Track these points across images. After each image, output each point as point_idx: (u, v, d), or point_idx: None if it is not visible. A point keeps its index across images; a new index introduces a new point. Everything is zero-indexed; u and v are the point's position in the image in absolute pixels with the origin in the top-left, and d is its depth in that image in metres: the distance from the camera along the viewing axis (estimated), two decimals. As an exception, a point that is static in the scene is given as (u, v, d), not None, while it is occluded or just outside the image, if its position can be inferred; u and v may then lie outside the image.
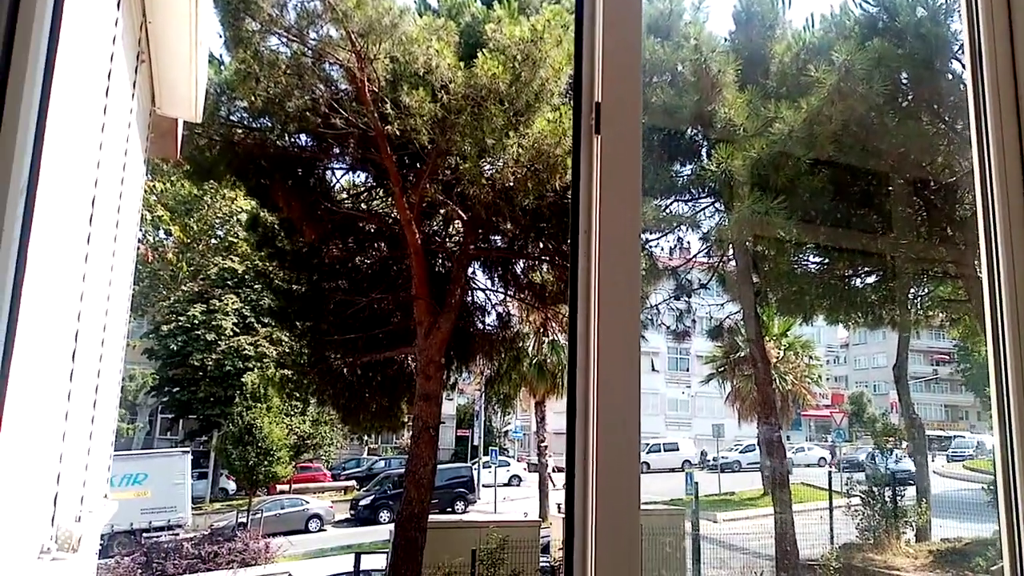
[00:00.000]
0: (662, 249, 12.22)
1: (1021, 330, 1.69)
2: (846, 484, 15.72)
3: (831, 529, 14.50)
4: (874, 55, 9.30)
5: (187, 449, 21.82)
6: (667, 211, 11.41)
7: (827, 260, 11.52)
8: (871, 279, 11.72)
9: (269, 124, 11.20)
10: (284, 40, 10.56)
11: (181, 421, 25.05)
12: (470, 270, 13.08)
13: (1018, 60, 1.83)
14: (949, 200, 10.60)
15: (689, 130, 11.28)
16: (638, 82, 1.52)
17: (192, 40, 3.33)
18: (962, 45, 1.92)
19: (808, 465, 22.95)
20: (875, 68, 9.15)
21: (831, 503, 15.13)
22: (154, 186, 13.55)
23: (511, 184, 10.18)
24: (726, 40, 11.20)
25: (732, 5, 11.69)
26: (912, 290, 11.95)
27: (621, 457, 1.37)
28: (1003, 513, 1.66)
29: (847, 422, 27.55)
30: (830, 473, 16.97)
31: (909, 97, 10.21)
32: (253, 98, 10.41)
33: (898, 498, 13.61)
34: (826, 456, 23.92)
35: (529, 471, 26.22)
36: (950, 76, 9.88)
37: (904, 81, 10.08)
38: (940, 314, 13.82)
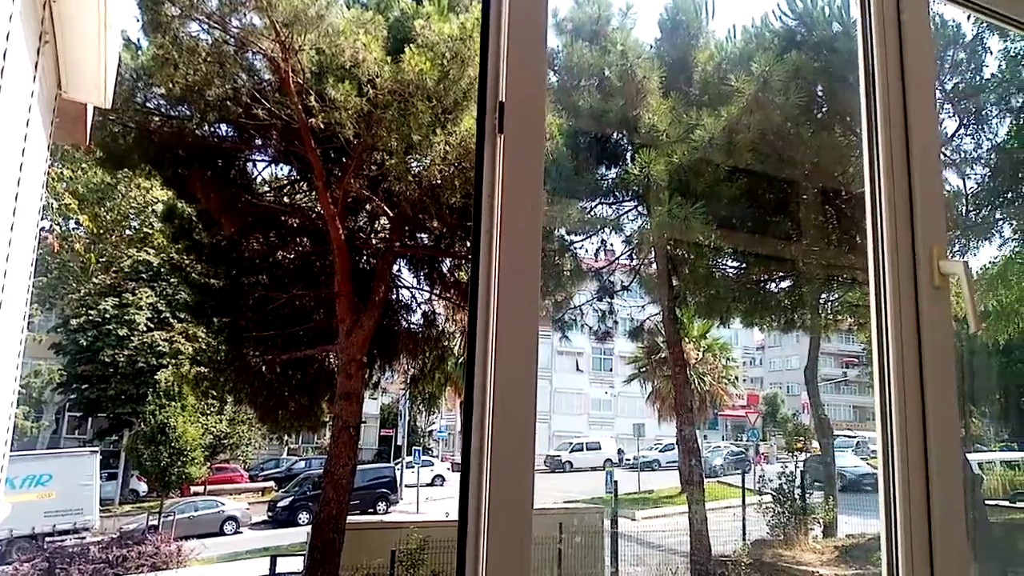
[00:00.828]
0: (586, 251, 12.39)
1: (903, 337, 1.77)
2: (758, 482, 16.25)
3: (743, 526, 14.96)
4: (792, 67, 9.66)
5: (96, 449, 20.81)
6: (592, 213, 11.57)
7: (743, 265, 11.89)
8: (785, 284, 12.17)
9: (188, 112, 10.83)
10: (205, 27, 10.24)
11: (90, 419, 23.90)
12: (395, 268, 12.95)
13: (907, 77, 1.92)
14: (858, 209, 11.08)
15: (615, 134, 11.47)
16: (543, 82, 1.52)
17: (101, 21, 3.18)
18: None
19: (723, 464, 23.62)
20: (792, 80, 9.49)
21: (744, 500, 15.62)
22: (62, 173, 12.91)
23: (438, 182, 10.13)
24: (652, 47, 11.45)
25: (658, 13, 11.97)
26: (823, 295, 12.45)
27: (515, 458, 1.37)
28: (882, 510, 1.73)
29: (761, 422, 28.51)
30: (743, 472, 17.51)
31: (824, 109, 10.64)
32: (171, 85, 10.06)
33: (806, 496, 14.16)
34: (741, 455, 24.68)
35: (453, 471, 26.13)
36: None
37: (820, 94, 10.50)
38: (849, 318, 14.45)
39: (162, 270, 21.73)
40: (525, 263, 1.46)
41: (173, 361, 20.76)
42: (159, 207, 16.34)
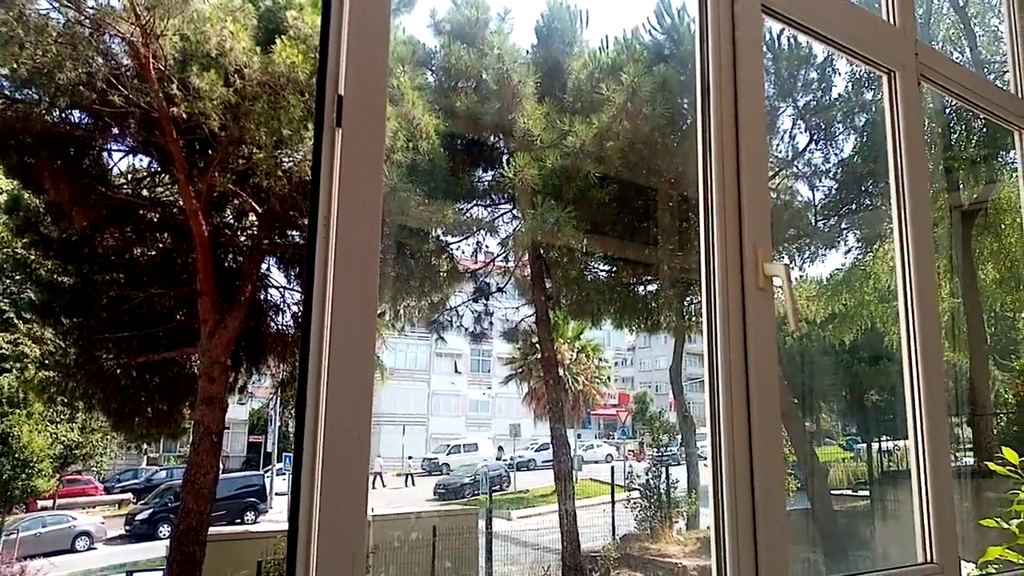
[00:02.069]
0: (463, 252, 12.41)
1: (731, 335, 1.87)
2: (627, 478, 16.83)
3: (613, 521, 15.45)
4: (659, 80, 10.08)
5: (-78, 462, 18.97)
6: (468, 215, 11.62)
7: (614, 268, 12.29)
8: (651, 287, 12.67)
9: (36, 96, 10.03)
10: (56, 4, 9.55)
11: (-84, 430, 21.67)
12: (264, 266, 12.48)
13: (740, 90, 2.03)
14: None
15: (491, 137, 11.56)
16: (384, 76, 1.51)
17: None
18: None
19: (596, 461, 24.31)
20: (659, 92, 9.91)
21: (613, 496, 16.13)
22: None
23: (310, 178, 9.86)
24: (527, 52, 11.63)
25: (535, 19, 12.18)
26: (687, 298, 13.05)
27: (349, 463, 1.34)
28: (711, 500, 1.83)
29: (631, 420, 29.54)
30: (612, 468, 18.08)
31: (688, 121, 11.17)
32: (16, 66, 9.34)
33: (671, 490, 14.80)
34: (612, 452, 25.49)
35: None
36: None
37: (684, 106, 11.01)
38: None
39: (5, 266, 20.00)
40: (363, 260, 1.43)
41: (17, 365, 19.13)
42: (2, 198, 15.07)
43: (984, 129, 10.86)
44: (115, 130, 10.78)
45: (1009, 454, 3.89)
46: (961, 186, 11.63)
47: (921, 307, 2.39)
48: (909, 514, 2.35)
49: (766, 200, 2.03)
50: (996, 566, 3.33)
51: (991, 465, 4.61)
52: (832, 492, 14.60)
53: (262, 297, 12.66)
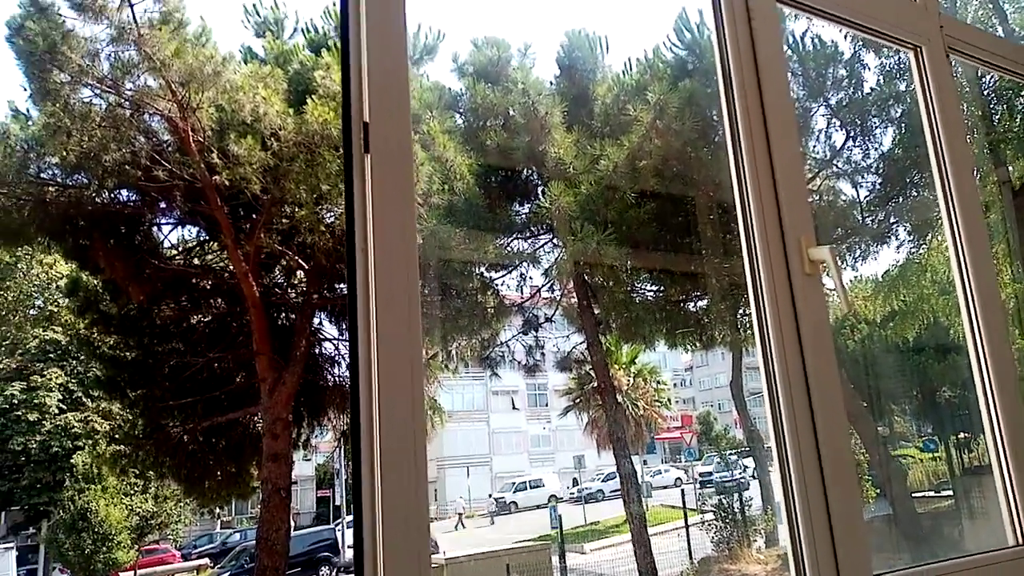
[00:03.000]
0: (508, 287, 12.46)
1: (782, 323, 1.83)
2: (699, 500, 16.45)
3: (689, 546, 15.06)
4: (685, 94, 10.07)
5: (11, 544, 19.58)
6: (508, 248, 11.67)
7: (661, 287, 12.16)
8: (703, 303, 12.49)
9: (85, 180, 10.46)
10: (98, 91, 9.99)
11: (3, 513, 22.42)
12: (316, 321, 12.70)
13: (763, 80, 2.01)
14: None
15: (524, 170, 11.66)
16: (406, 98, 1.54)
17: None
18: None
19: (665, 487, 23.82)
20: (687, 106, 9.89)
21: (686, 520, 15.75)
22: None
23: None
24: (551, 84, 11.76)
25: (556, 51, 12.31)
26: (739, 310, 12.82)
27: (407, 498, 1.33)
28: (781, 491, 1.77)
29: (696, 441, 28.95)
30: (683, 492, 17.69)
31: (720, 132, 11.09)
32: (65, 153, 9.74)
33: (745, 508, 14.39)
34: (681, 476, 24.95)
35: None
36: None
37: (714, 118, 10.97)
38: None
39: (71, 348, 20.72)
40: (403, 282, 1.45)
41: (89, 442, 19.70)
42: (63, 282, 15.68)
43: (1026, 106, 10.53)
44: (162, 204, 11.16)
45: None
46: (1010, 167, 11.27)
47: (980, 289, 2.30)
48: (997, 508, 2.24)
49: (802, 187, 2.00)
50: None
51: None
52: (914, 495, 14.02)
53: (317, 351, 12.86)
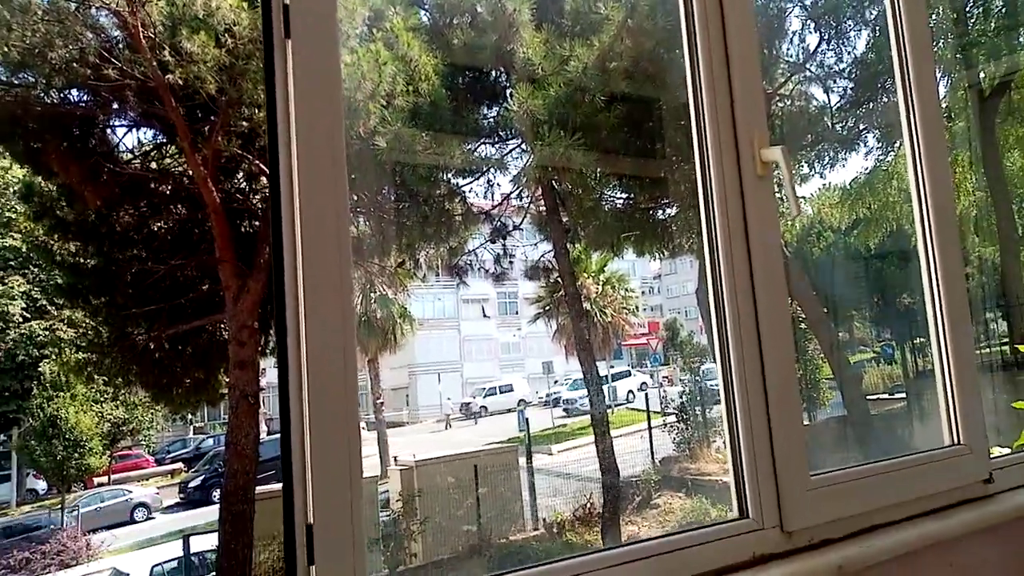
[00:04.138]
0: (476, 194, 12.28)
1: (730, 228, 1.78)
2: (662, 403, 16.94)
3: (651, 447, 15.61)
4: (658, -8, 9.71)
5: (-18, 451, 19.75)
6: (476, 154, 11.43)
7: (631, 195, 12.06)
8: (672, 210, 12.45)
9: (31, 79, 9.98)
10: (35, -19, 9.40)
11: (-29, 423, 22.42)
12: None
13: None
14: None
15: (493, 71, 11.29)
16: (329, -20, 1.41)
17: None
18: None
19: (631, 391, 24.45)
20: (660, 3, 9.54)
21: (650, 423, 16.26)
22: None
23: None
24: (520, -22, 11.23)
25: (525, -56, 11.70)
26: (707, 218, 12.78)
27: (335, 407, 1.29)
28: (723, 396, 1.77)
29: (662, 347, 29.55)
30: (646, 396, 18.18)
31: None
32: (7, 49, 9.27)
33: (706, 411, 14.86)
34: (647, 381, 25.59)
35: (368, 430, 26.04)
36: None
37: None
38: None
39: (32, 255, 20.26)
40: (330, 176, 1.37)
41: (56, 350, 19.57)
42: (18, 187, 15.16)
43: (1003, 8, 10.35)
44: (115, 105, 10.69)
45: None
46: (981, 72, 11.15)
47: (935, 196, 2.27)
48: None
49: (758, 85, 1.91)
50: (1032, 448, 3.26)
51: (1021, 347, 4.50)
52: (868, 397, 14.55)
53: (282, 258, 12.67)
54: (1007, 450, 3.20)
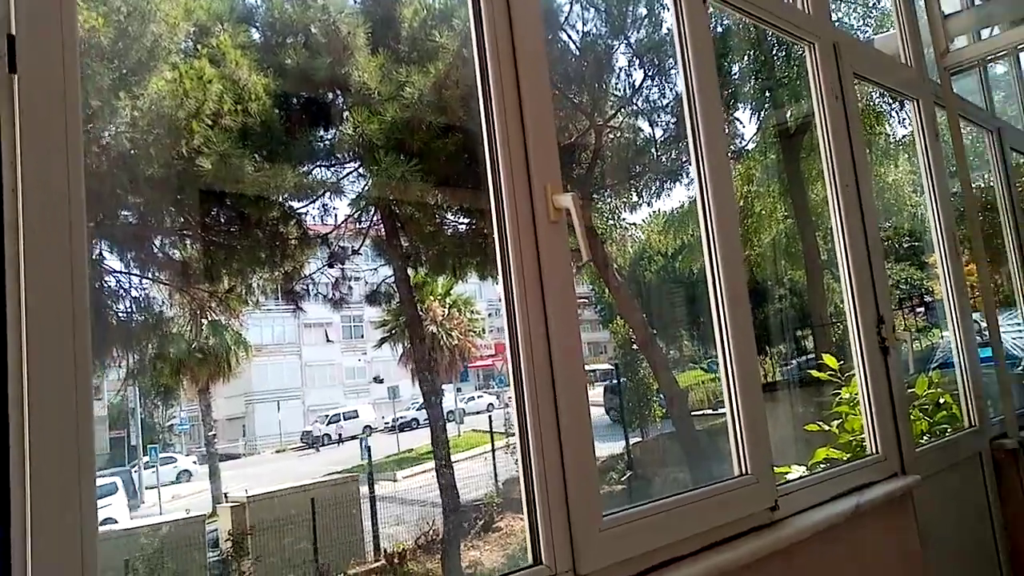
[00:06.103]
0: (312, 217, 11.89)
1: (525, 272, 1.79)
2: (506, 425, 17.07)
3: (494, 469, 15.68)
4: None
5: None
6: (311, 177, 11.10)
7: (472, 220, 12.17)
8: (510, 236, 12.63)
9: None
10: None
11: None
12: (96, 252, 11.48)
13: (515, 20, 1.93)
14: (570, 160, 11.84)
15: (328, 94, 11.04)
16: (71, 7, 1.29)
17: None
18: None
19: (478, 412, 24.55)
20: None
21: (493, 444, 16.36)
22: None
23: (132, 151, 9.07)
24: (355, 2, 11.11)
25: (359, -33, 11.60)
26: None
27: (61, 457, 1.15)
28: (518, 441, 1.77)
29: (508, 368, 29.87)
30: (490, 418, 18.30)
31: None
32: None
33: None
34: (493, 402, 25.76)
35: (200, 464, 24.42)
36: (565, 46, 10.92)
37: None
38: (574, 265, 15.43)
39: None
40: (61, 234, 1.23)
41: None
42: None
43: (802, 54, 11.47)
44: None
45: (829, 360, 4.14)
46: (788, 111, 12.28)
47: (721, 228, 2.41)
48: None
49: (551, 134, 1.95)
50: (823, 464, 3.56)
51: (813, 372, 4.91)
52: (695, 413, 15.45)
53: (97, 285, 11.67)
54: (803, 468, 3.47)
